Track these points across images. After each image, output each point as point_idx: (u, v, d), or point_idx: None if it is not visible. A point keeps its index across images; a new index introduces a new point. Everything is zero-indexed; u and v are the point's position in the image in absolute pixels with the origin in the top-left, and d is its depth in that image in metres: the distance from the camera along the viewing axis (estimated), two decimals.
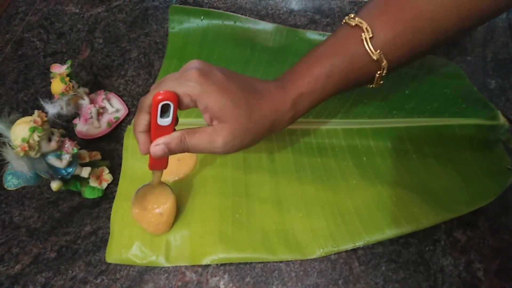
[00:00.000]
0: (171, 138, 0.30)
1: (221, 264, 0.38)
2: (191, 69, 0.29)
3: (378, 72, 0.33)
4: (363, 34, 0.31)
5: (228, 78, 0.30)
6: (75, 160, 0.39)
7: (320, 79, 0.33)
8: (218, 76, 0.30)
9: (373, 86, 0.35)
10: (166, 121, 0.30)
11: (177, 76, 0.30)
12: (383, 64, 0.32)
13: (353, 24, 0.32)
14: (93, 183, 0.42)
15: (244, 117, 0.30)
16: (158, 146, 0.30)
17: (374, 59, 0.31)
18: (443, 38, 0.33)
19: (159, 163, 0.33)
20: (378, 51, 0.31)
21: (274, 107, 0.32)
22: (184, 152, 0.31)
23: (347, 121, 0.47)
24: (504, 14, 0.55)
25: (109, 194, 0.43)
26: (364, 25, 0.31)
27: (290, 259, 0.38)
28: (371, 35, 0.31)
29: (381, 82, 0.34)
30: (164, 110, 0.29)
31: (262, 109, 0.31)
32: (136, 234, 0.39)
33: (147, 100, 0.29)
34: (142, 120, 0.30)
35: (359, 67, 0.33)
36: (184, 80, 0.29)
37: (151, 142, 0.31)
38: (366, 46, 0.31)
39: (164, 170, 0.42)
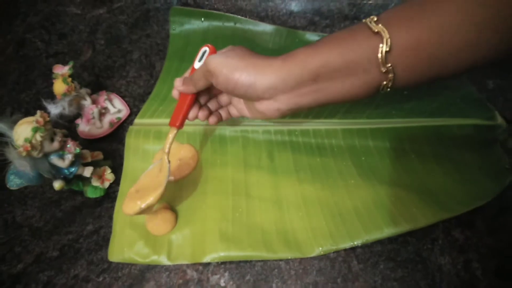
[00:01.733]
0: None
1: (222, 262, 0.39)
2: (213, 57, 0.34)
3: (384, 83, 0.31)
4: (380, 45, 0.29)
5: (239, 55, 0.33)
6: (78, 160, 0.40)
7: (312, 66, 0.31)
8: (229, 55, 0.33)
9: (372, 97, 0.34)
10: (199, 64, 0.37)
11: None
12: (390, 75, 0.30)
13: (375, 30, 0.29)
14: (95, 182, 0.42)
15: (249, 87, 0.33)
16: (183, 78, 0.37)
17: (382, 71, 0.30)
18: (462, 71, 0.31)
19: (177, 119, 0.37)
20: (389, 65, 0.30)
21: (273, 72, 0.32)
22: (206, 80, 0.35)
23: (347, 121, 0.47)
24: None
25: (111, 194, 0.44)
26: (386, 36, 0.29)
27: (289, 258, 0.38)
28: (388, 49, 0.29)
29: (383, 91, 0.33)
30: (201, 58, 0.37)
31: (265, 77, 0.32)
32: (138, 233, 0.40)
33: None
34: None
35: (366, 75, 0.31)
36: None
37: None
38: (379, 56, 0.29)
39: None
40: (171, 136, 0.38)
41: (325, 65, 0.31)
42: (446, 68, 0.30)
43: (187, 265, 0.39)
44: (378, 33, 0.29)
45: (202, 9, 0.57)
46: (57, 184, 0.39)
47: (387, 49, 0.29)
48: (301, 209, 0.41)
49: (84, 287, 0.38)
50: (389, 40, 0.29)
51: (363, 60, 0.30)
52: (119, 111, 0.49)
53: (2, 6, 0.61)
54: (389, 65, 0.30)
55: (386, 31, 0.29)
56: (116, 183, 0.44)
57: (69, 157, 0.38)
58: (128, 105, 0.50)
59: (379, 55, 0.29)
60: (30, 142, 0.33)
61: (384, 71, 0.30)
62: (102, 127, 0.47)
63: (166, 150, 0.38)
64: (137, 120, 0.47)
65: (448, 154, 0.45)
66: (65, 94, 0.41)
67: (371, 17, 0.31)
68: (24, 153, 0.33)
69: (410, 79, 0.31)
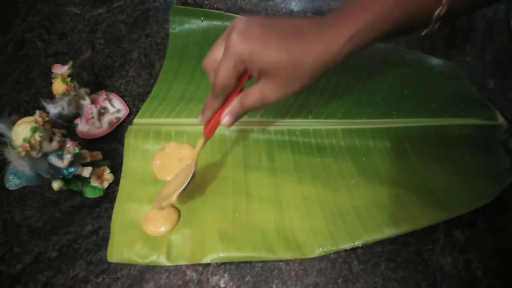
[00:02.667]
0: (233, 107, 0.33)
1: (222, 263, 0.39)
2: (230, 34, 0.30)
3: (437, 11, 0.30)
4: None
5: (267, 30, 0.30)
6: (77, 160, 0.39)
7: (381, 14, 0.30)
8: (256, 32, 0.30)
9: (428, 30, 0.33)
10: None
11: (224, 49, 0.31)
12: (443, 1, 0.30)
13: None
14: (94, 182, 0.42)
15: (289, 67, 0.30)
16: (226, 117, 0.34)
17: None
18: None
19: (213, 130, 0.37)
20: None
21: (324, 48, 0.30)
22: (246, 113, 0.34)
23: (347, 121, 0.47)
24: (503, 15, 0.56)
25: (110, 194, 0.43)
26: None
27: (289, 258, 0.38)
28: None
29: (437, 25, 0.32)
30: None
31: (310, 53, 0.30)
32: (138, 233, 0.40)
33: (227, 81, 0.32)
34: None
35: (420, 4, 0.30)
36: (228, 54, 0.30)
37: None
38: None
39: (165, 170, 0.43)
40: (201, 144, 0.38)
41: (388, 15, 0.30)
42: None
43: (187, 266, 0.39)
44: None
45: (202, 8, 0.57)
46: (56, 184, 0.38)
47: None
48: (301, 209, 0.41)
49: (83, 287, 0.38)
50: None
51: None
52: (118, 111, 0.49)
53: (1, 6, 0.61)
54: None
55: None
56: (115, 183, 0.44)
57: (68, 157, 0.38)
58: (128, 105, 0.50)
59: None
60: (29, 142, 0.33)
61: None
62: (101, 127, 0.47)
63: (195, 158, 0.39)
64: (136, 120, 0.47)
65: (448, 154, 0.45)
66: (64, 94, 0.41)
67: None
68: (23, 153, 0.33)
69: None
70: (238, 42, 0.30)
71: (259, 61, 0.30)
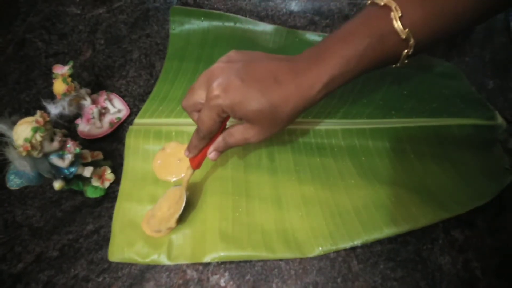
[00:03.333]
0: (218, 144, 0.36)
1: (222, 262, 0.39)
2: (211, 86, 0.32)
3: (405, 51, 0.33)
4: (392, 13, 0.31)
5: (246, 81, 0.31)
6: (77, 160, 0.40)
7: (352, 60, 0.32)
8: (236, 85, 0.31)
9: (398, 65, 0.35)
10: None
11: (206, 99, 0.33)
12: (410, 43, 0.32)
13: (382, 3, 0.32)
14: (95, 182, 0.42)
15: (270, 116, 0.32)
16: (212, 153, 0.37)
17: (402, 38, 0.31)
18: (470, 19, 0.33)
19: (200, 162, 0.39)
20: (407, 30, 0.31)
21: (302, 96, 0.32)
22: (230, 148, 0.37)
23: (346, 121, 0.47)
24: (502, 15, 0.56)
25: (111, 194, 0.44)
26: (393, 4, 0.31)
27: (289, 257, 0.38)
28: (400, 14, 0.31)
29: (406, 61, 0.34)
30: None
31: (289, 101, 0.32)
32: (138, 233, 0.40)
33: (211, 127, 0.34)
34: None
35: (389, 47, 0.32)
36: (210, 105, 0.32)
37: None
38: (396, 25, 0.31)
39: (166, 170, 0.44)
40: (189, 174, 0.39)
41: (355, 54, 0.32)
42: (455, 16, 0.32)
43: (187, 265, 0.39)
44: (385, 5, 0.31)
45: (202, 8, 0.57)
46: (57, 184, 0.39)
47: (399, 14, 0.31)
48: (301, 209, 0.41)
49: (84, 287, 0.38)
50: (397, 7, 0.31)
51: (389, 38, 0.32)
52: (119, 111, 0.49)
53: (2, 6, 0.61)
54: (407, 30, 0.31)
55: (392, 1, 0.31)
56: (116, 183, 0.44)
57: (69, 157, 0.38)
58: (128, 105, 0.50)
59: (394, 23, 0.31)
60: (30, 142, 0.33)
61: (404, 37, 0.31)
62: (102, 127, 0.47)
63: (185, 186, 0.40)
64: (137, 120, 0.48)
65: (448, 154, 0.45)
66: (65, 94, 0.41)
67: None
68: (24, 153, 0.33)
69: (429, 36, 0.33)
70: (219, 95, 0.31)
71: (241, 112, 0.32)
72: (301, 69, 0.33)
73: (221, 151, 0.37)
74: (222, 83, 0.31)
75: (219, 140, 0.36)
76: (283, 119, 0.33)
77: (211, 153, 0.37)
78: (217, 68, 0.33)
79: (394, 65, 0.35)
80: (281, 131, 0.35)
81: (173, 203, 0.40)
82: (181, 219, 0.40)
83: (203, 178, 0.43)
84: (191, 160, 0.39)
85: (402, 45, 0.32)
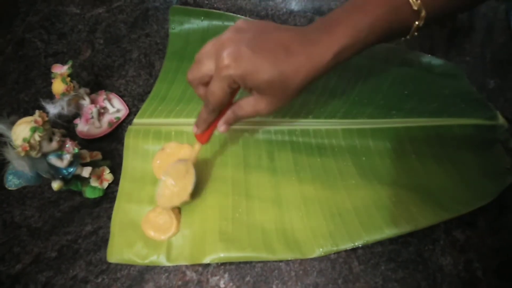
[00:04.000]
0: (228, 117, 0.36)
1: (221, 264, 0.39)
2: (221, 56, 0.31)
3: (416, 23, 0.33)
4: None
5: (257, 50, 0.31)
6: (76, 160, 0.39)
7: (363, 29, 0.32)
8: (247, 54, 0.31)
9: (408, 37, 0.35)
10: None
11: (216, 70, 0.32)
12: (422, 14, 0.32)
13: None
14: (94, 182, 0.42)
15: (281, 86, 0.32)
16: (222, 126, 0.36)
17: (414, 9, 0.31)
18: None
19: (209, 137, 0.39)
20: (418, 1, 0.31)
21: (312, 65, 0.32)
22: (240, 121, 0.36)
23: (347, 121, 0.47)
24: (503, 15, 0.56)
25: (109, 194, 0.43)
26: None
27: (289, 258, 0.38)
28: None
29: (416, 34, 0.34)
30: None
31: (300, 71, 0.32)
32: (137, 233, 0.40)
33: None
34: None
35: (401, 18, 0.32)
36: (221, 75, 0.31)
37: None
38: None
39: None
40: (197, 149, 0.39)
41: (373, 24, 0.32)
42: None
43: (187, 266, 0.39)
44: None
45: (201, 8, 0.57)
46: (56, 184, 0.38)
47: None
48: (301, 209, 0.41)
49: None
50: None
51: (402, 9, 0.31)
52: (118, 110, 0.49)
53: (1, 6, 0.61)
54: (419, 1, 0.31)
55: None
56: (115, 183, 0.43)
57: (67, 157, 0.38)
58: (127, 105, 0.50)
59: None
60: (29, 142, 0.33)
61: (416, 8, 0.31)
62: (101, 127, 0.47)
63: (193, 160, 0.40)
64: (136, 120, 0.47)
65: (448, 154, 0.45)
66: (64, 94, 0.41)
67: None
68: (22, 153, 0.33)
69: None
70: (230, 65, 0.31)
71: (252, 82, 0.31)
72: (312, 39, 0.32)
73: (231, 124, 0.37)
74: (232, 53, 0.31)
75: (229, 113, 0.36)
76: (293, 89, 0.33)
77: (221, 126, 0.36)
78: (226, 38, 0.32)
79: (403, 38, 0.35)
80: (290, 101, 0.34)
81: (180, 177, 0.39)
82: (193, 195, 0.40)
83: (203, 178, 0.43)
84: (199, 135, 0.38)
85: (413, 16, 0.32)
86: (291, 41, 0.32)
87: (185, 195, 0.39)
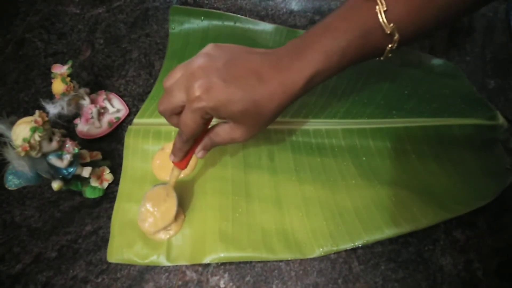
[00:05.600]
0: (205, 143, 0.36)
1: (221, 264, 0.39)
2: (192, 88, 0.30)
3: (389, 46, 0.32)
4: (377, 7, 0.30)
5: (229, 80, 0.30)
6: (76, 160, 0.39)
7: (335, 54, 0.31)
8: (218, 85, 0.30)
9: (382, 59, 0.34)
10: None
11: (187, 102, 0.31)
12: (395, 38, 0.31)
13: None
14: (94, 182, 0.42)
15: (255, 114, 0.32)
16: (200, 152, 0.36)
17: (387, 33, 0.31)
18: (456, 13, 0.33)
19: (187, 162, 0.38)
20: (392, 24, 0.30)
21: (286, 92, 0.32)
22: (216, 147, 0.36)
23: (347, 121, 0.47)
24: (503, 15, 0.55)
25: (109, 194, 0.43)
26: None
27: (290, 258, 0.38)
28: (385, 8, 0.30)
29: (390, 55, 0.34)
30: None
31: (273, 99, 0.32)
32: (137, 233, 0.40)
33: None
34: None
35: (373, 42, 0.32)
36: (193, 107, 0.31)
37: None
38: (381, 19, 0.30)
39: (165, 171, 0.43)
40: (176, 174, 0.39)
41: (345, 46, 0.32)
42: (439, 10, 0.32)
43: (187, 266, 0.39)
44: None
45: (201, 8, 0.57)
46: (56, 185, 0.38)
47: (385, 8, 0.30)
48: (301, 209, 0.41)
49: None
50: (383, 0, 0.30)
51: (373, 33, 0.31)
52: (118, 110, 0.49)
53: (1, 6, 0.61)
54: (392, 24, 0.30)
55: None
56: (115, 183, 0.43)
57: (67, 157, 0.38)
58: (127, 105, 0.50)
59: (380, 17, 0.30)
60: (29, 142, 0.33)
61: (389, 32, 0.31)
62: (101, 127, 0.47)
63: (172, 185, 0.39)
64: (136, 120, 0.47)
65: (448, 154, 0.45)
66: (64, 94, 0.41)
67: None
68: (22, 153, 0.33)
69: (414, 29, 0.32)
70: (201, 97, 0.30)
71: (226, 113, 0.31)
72: (284, 65, 0.32)
73: (208, 150, 0.37)
74: (203, 84, 0.30)
75: (206, 140, 0.36)
76: (267, 117, 0.33)
77: (199, 152, 0.36)
78: (197, 67, 0.31)
79: (377, 58, 0.35)
80: (265, 128, 0.35)
81: (161, 201, 0.39)
82: (181, 217, 0.40)
83: (203, 178, 0.43)
84: (177, 162, 0.38)
85: (386, 39, 0.32)
86: (263, 66, 0.32)
87: (169, 218, 0.38)
